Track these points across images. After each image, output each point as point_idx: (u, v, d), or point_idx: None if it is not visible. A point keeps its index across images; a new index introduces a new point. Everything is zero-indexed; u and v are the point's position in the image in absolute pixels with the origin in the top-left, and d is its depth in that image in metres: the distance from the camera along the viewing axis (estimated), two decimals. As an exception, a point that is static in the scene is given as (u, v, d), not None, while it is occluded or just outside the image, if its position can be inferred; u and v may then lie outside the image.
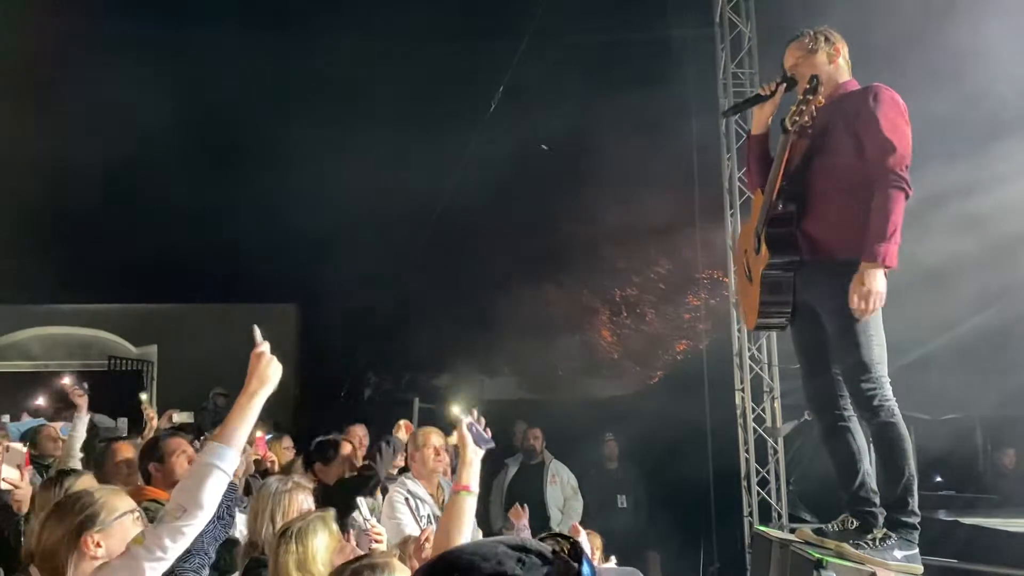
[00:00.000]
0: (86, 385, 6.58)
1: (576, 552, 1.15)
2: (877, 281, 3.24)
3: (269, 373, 2.50)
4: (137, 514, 2.42)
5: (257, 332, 2.57)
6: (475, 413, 3.26)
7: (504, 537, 1.15)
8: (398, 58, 12.93)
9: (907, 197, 3.28)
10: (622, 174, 14.32)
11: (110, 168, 12.32)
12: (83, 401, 6.08)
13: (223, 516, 2.72)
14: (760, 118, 3.77)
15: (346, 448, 4.94)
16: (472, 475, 3.12)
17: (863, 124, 3.34)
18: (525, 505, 5.41)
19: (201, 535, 2.57)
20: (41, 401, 8.45)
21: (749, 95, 7.36)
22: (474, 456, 3.14)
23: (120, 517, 2.35)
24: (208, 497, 2.33)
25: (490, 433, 3.23)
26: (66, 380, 6.60)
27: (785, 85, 3.61)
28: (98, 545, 2.28)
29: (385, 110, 13.12)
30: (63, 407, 6.70)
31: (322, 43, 12.83)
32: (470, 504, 3.11)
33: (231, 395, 9.47)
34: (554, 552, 1.12)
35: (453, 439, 3.90)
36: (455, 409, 3.42)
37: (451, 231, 15.11)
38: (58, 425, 6.30)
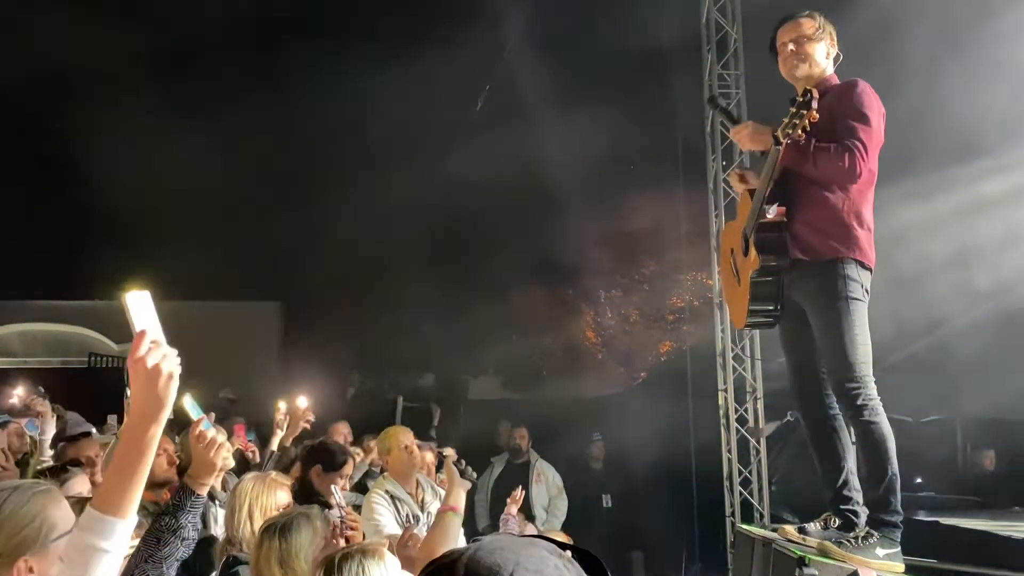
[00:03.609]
0: (41, 389, 6.52)
1: (595, 564, 1.14)
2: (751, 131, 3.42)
3: (159, 390, 1.72)
4: (72, 532, 1.92)
5: (131, 306, 1.75)
6: (462, 462, 3.62)
7: (532, 539, 1.13)
8: (390, 59, 12.91)
9: (854, 168, 3.30)
10: (607, 176, 14.37)
11: (88, 163, 12.24)
12: (45, 407, 6.10)
13: (188, 537, 2.47)
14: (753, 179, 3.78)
15: (349, 467, 4.64)
16: (459, 497, 3.34)
17: (843, 108, 3.37)
18: (521, 488, 5.36)
19: (161, 560, 2.39)
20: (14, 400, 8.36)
21: (734, 96, 7.42)
22: (461, 484, 3.41)
23: (59, 539, 1.89)
24: None
25: (472, 472, 3.63)
26: (18, 391, 6.47)
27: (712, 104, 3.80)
28: (31, 571, 1.85)
29: (373, 110, 13.10)
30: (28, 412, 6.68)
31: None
32: (456, 524, 3.27)
33: (239, 400, 9.30)
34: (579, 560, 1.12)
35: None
36: (445, 452, 3.92)
37: (437, 231, 15.10)
38: (23, 421, 6.25)
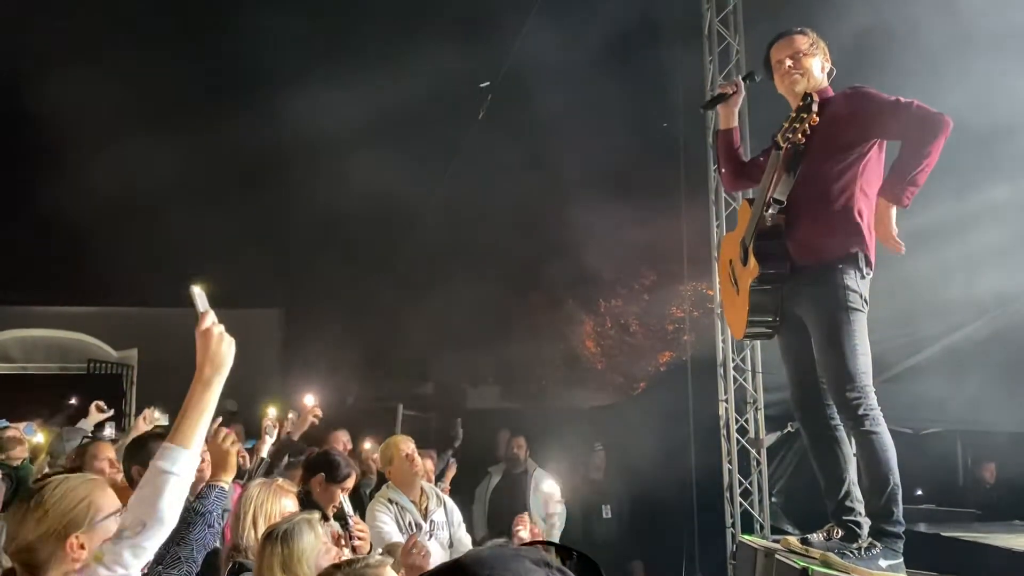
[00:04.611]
0: (103, 404, 6.64)
1: (592, 568, 1.13)
2: (893, 219, 3.32)
3: (222, 354, 2.21)
4: (120, 514, 2.22)
5: (197, 295, 2.22)
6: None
7: (523, 548, 1.12)
8: (383, 64, 12.94)
9: (938, 119, 3.24)
10: (608, 186, 14.38)
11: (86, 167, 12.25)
12: (99, 416, 6.22)
13: (213, 524, 2.63)
14: (726, 114, 3.86)
15: (352, 480, 4.46)
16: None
17: (869, 116, 3.38)
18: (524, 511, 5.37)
19: (191, 542, 2.53)
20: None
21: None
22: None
23: (106, 518, 2.16)
24: (168, 509, 2.15)
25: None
26: (100, 403, 6.71)
27: (748, 80, 3.81)
28: (82, 547, 2.11)
29: (372, 117, 13.12)
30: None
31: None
32: None
33: (239, 412, 9.36)
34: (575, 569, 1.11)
35: None
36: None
37: (436, 239, 15.12)
38: (21, 426, 6.24)
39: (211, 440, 2.67)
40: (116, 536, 2.13)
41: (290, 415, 5.51)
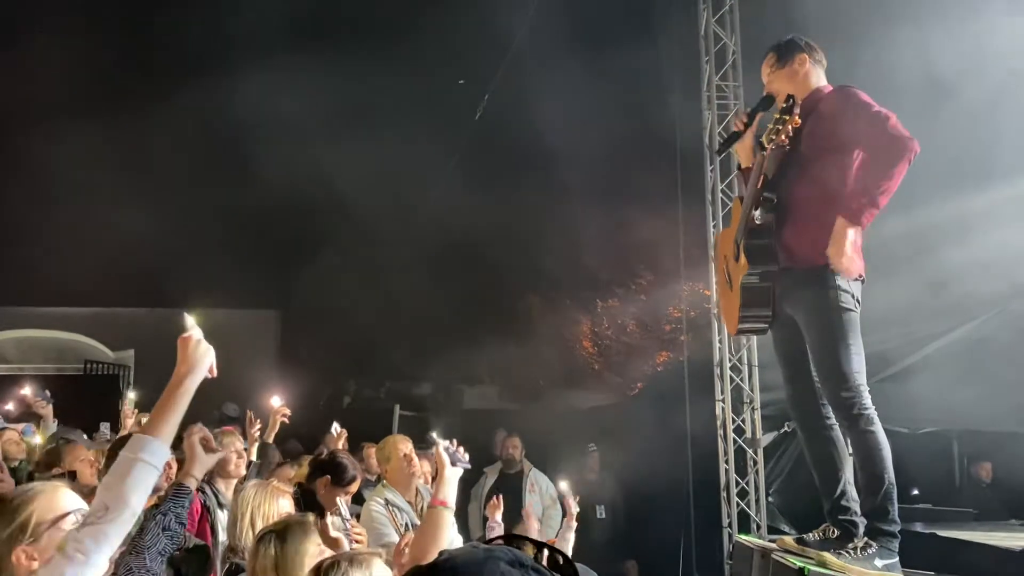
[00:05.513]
0: (48, 393, 6.50)
1: (566, 563, 1.13)
2: (849, 240, 3.32)
3: (198, 356, 2.35)
4: (75, 517, 2.13)
5: (187, 318, 2.47)
6: (454, 442, 3.43)
7: (496, 548, 1.11)
8: (387, 61, 12.93)
9: (903, 141, 3.26)
10: (605, 185, 14.38)
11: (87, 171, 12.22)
12: (47, 411, 6.07)
13: (169, 527, 2.48)
14: (744, 152, 3.82)
15: (356, 485, 4.44)
16: (449, 491, 3.24)
17: (848, 117, 3.38)
18: (500, 496, 5.41)
19: (144, 550, 2.41)
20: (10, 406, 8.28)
21: (732, 107, 7.44)
22: (451, 474, 3.26)
23: (52, 526, 2.08)
24: (133, 494, 2.12)
25: (466, 455, 3.40)
26: (26, 391, 6.52)
27: (759, 110, 3.73)
28: (31, 559, 2.04)
29: (371, 116, 13.11)
30: (26, 416, 6.62)
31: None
32: (447, 519, 3.19)
33: (240, 417, 9.35)
34: (549, 567, 1.11)
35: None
36: (433, 433, 3.61)
37: (433, 240, 15.10)
38: (20, 427, 6.23)
39: (186, 435, 2.65)
40: (80, 523, 2.08)
41: (257, 422, 5.50)
